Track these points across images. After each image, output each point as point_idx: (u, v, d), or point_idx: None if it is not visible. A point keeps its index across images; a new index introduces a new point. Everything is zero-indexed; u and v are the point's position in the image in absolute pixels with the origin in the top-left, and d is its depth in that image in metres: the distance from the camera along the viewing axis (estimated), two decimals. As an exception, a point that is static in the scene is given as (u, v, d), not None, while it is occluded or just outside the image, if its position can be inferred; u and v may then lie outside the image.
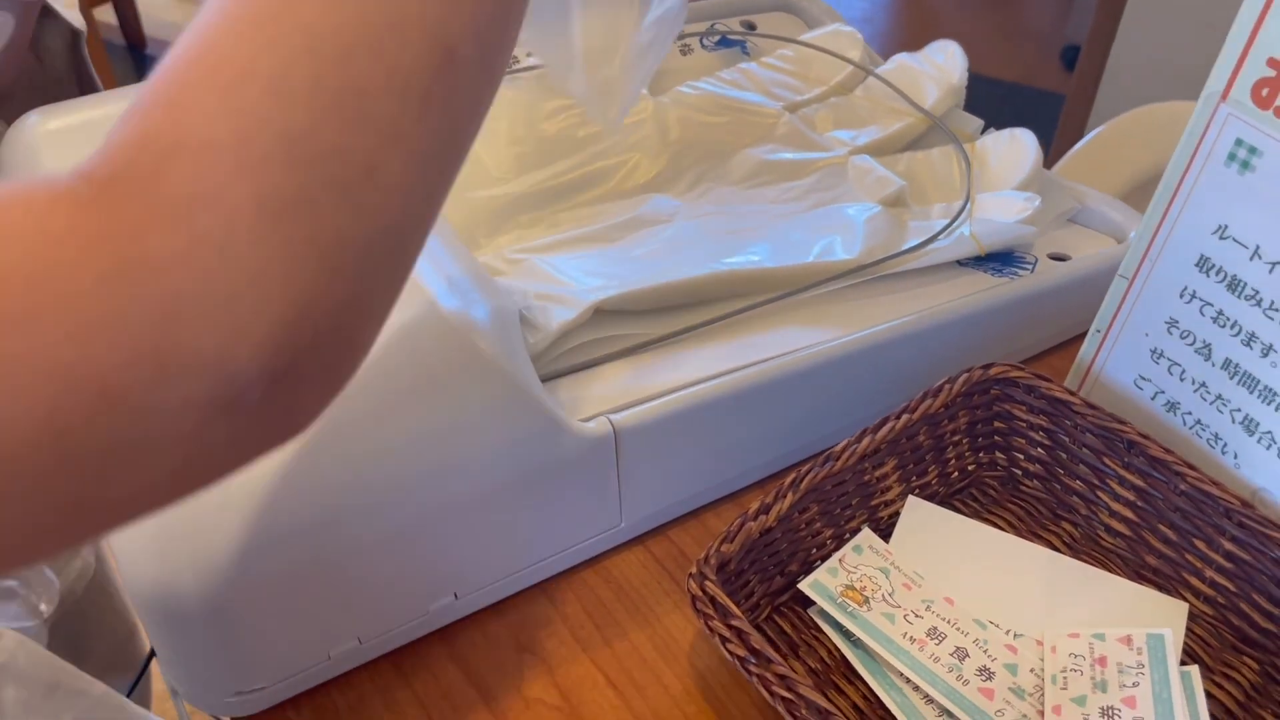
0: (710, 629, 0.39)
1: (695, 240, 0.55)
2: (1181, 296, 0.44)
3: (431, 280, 0.43)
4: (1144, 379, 0.47)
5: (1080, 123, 1.62)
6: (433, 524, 0.41)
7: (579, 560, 0.47)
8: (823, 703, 0.36)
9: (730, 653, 0.39)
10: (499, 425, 0.41)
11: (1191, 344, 0.44)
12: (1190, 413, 0.45)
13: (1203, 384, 0.44)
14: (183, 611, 0.37)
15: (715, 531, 0.49)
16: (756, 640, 0.38)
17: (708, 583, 0.40)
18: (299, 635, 0.41)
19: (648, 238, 0.56)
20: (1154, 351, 0.46)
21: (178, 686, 0.41)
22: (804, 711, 0.36)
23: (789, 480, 0.43)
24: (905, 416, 0.46)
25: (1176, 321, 0.45)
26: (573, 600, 0.46)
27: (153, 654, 0.61)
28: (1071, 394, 0.46)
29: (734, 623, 0.39)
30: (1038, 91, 2.35)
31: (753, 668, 0.38)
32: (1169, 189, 0.44)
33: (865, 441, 0.45)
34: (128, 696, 0.52)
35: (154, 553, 0.37)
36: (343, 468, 0.38)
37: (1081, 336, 0.58)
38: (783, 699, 0.37)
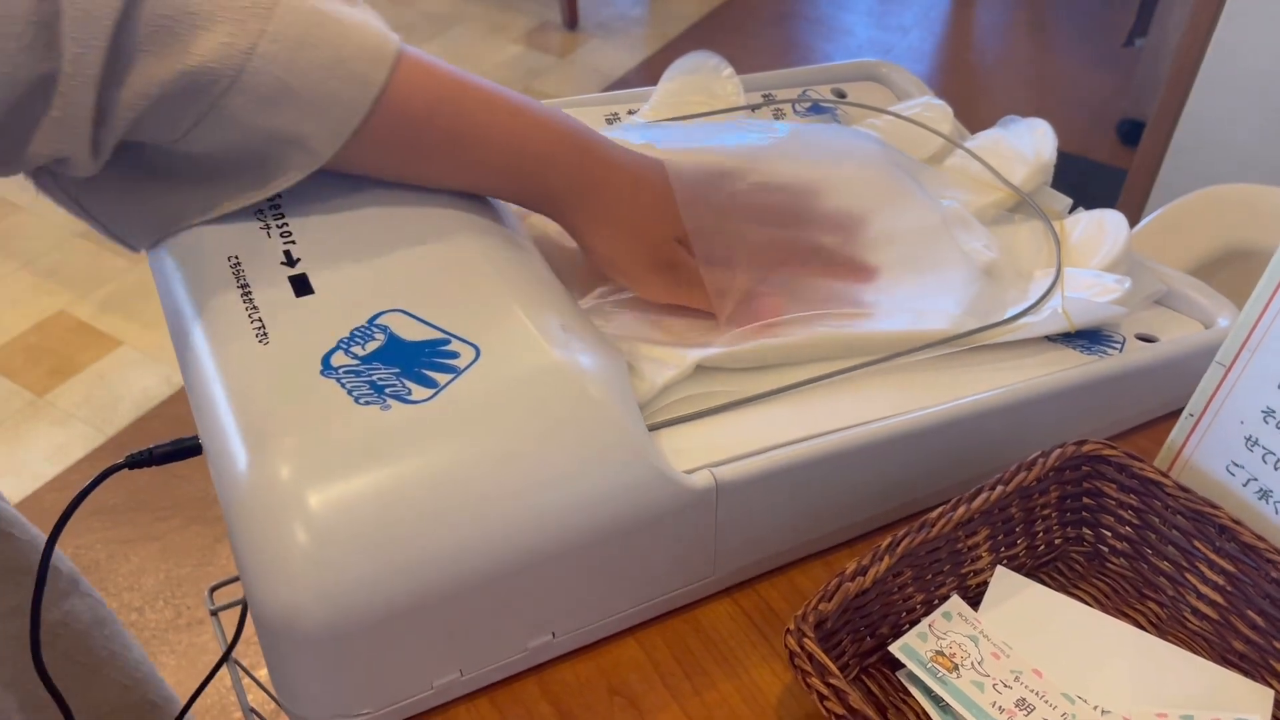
0: (808, 685, 0.40)
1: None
2: (1280, 387, 0.45)
3: (544, 329, 0.45)
4: (1237, 465, 0.47)
5: (1141, 198, 1.63)
6: (540, 565, 0.42)
7: (670, 608, 0.48)
8: (921, 766, 0.37)
9: (828, 710, 0.39)
10: (608, 472, 0.43)
11: (1288, 434, 0.45)
12: (1283, 501, 0.46)
13: (1297, 474, 0.45)
14: (302, 635, 0.39)
15: (802, 589, 0.50)
16: (855, 699, 0.39)
17: (806, 640, 0.41)
18: (406, 665, 0.42)
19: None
20: (1249, 439, 0.47)
21: (287, 705, 0.42)
22: (903, 773, 0.37)
23: (886, 544, 0.45)
24: (1000, 488, 0.47)
25: (1274, 411, 0.46)
26: (663, 647, 0.47)
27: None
28: (1163, 475, 0.47)
29: (832, 681, 0.40)
30: (1092, 164, 2.36)
31: (850, 726, 0.39)
32: (1272, 282, 0.45)
33: (961, 510, 0.46)
34: None
35: (281, 578, 0.38)
36: (460, 509, 0.40)
37: (1164, 418, 0.59)
38: (880, 759, 0.38)
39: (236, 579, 0.75)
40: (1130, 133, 2.44)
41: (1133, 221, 1.15)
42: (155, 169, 0.46)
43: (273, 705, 0.74)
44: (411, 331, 0.44)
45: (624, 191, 0.51)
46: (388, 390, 0.42)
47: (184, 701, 0.70)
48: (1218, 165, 1.54)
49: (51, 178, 0.46)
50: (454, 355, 0.43)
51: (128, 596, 1.54)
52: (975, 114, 0.71)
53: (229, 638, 0.63)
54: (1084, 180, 2.26)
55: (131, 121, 0.42)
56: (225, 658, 0.64)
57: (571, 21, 2.72)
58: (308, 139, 0.44)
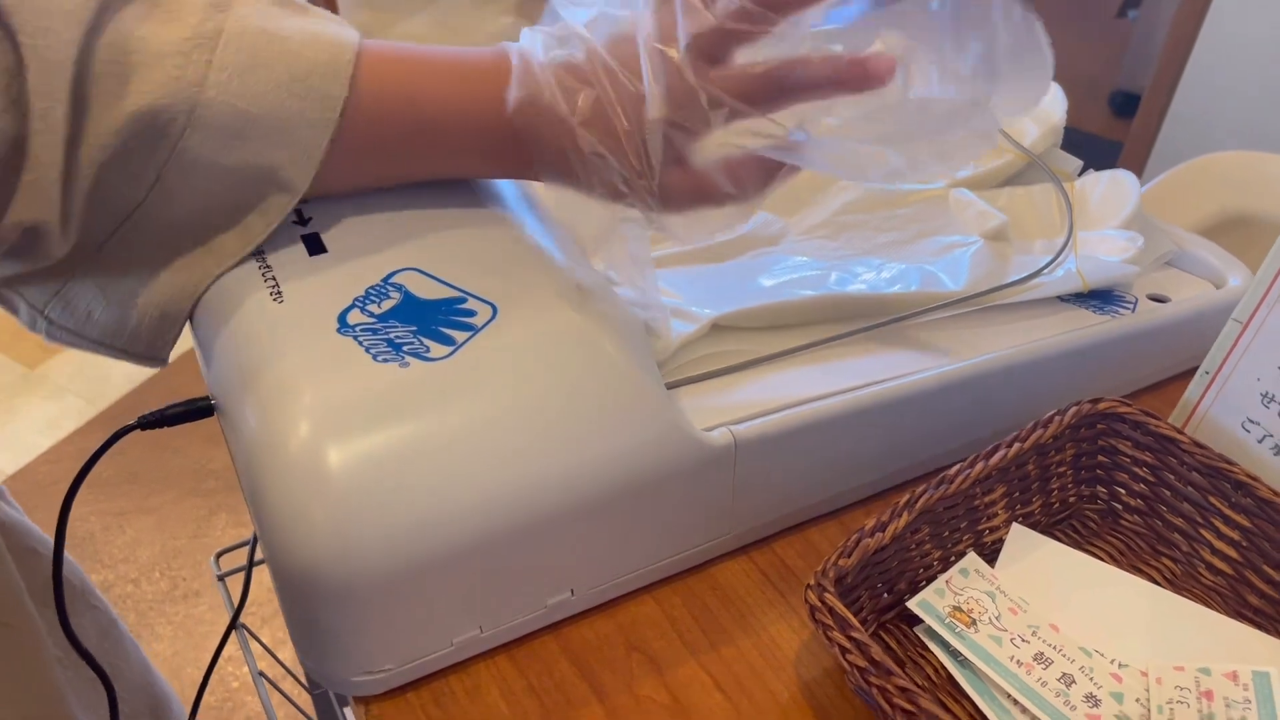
0: (830, 639, 0.40)
1: (803, 263, 0.57)
2: (1297, 343, 0.45)
3: (561, 288, 0.44)
4: (1252, 422, 0.47)
5: (1138, 169, 1.63)
6: (560, 522, 0.42)
7: (687, 566, 0.48)
8: (944, 715, 0.37)
9: (850, 663, 0.40)
10: (627, 429, 0.42)
11: (1305, 390, 0.45)
12: (1298, 457, 0.46)
13: (1313, 430, 0.45)
14: (323, 592, 0.39)
15: (818, 547, 0.50)
16: (876, 652, 0.39)
17: (827, 594, 0.41)
18: (427, 621, 0.42)
19: (755, 257, 0.58)
20: (1265, 395, 0.47)
21: (308, 664, 0.42)
22: (928, 724, 0.37)
23: (904, 500, 0.45)
24: (1017, 445, 0.47)
25: (1290, 367, 0.46)
26: (680, 605, 0.47)
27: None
28: (1179, 431, 0.47)
29: (854, 634, 0.40)
30: (1085, 135, 2.36)
31: (873, 679, 0.39)
32: (1290, 237, 0.45)
33: (978, 467, 0.46)
34: None
35: (302, 535, 0.38)
36: (479, 466, 0.40)
37: (1176, 379, 0.59)
38: (903, 710, 0.38)
39: (242, 545, 0.74)
40: (1124, 104, 2.44)
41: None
42: (133, 265, 0.44)
43: (276, 666, 0.74)
44: (427, 290, 0.44)
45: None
46: (405, 348, 0.41)
47: (182, 694, 0.70)
48: (1214, 135, 1.55)
49: (48, 322, 0.45)
50: (471, 313, 0.43)
51: (124, 568, 1.54)
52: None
53: (235, 603, 0.63)
54: (1077, 152, 2.26)
55: (94, 178, 0.39)
56: (234, 623, 0.64)
57: (563, -8, 2.70)
58: (280, 170, 0.42)
